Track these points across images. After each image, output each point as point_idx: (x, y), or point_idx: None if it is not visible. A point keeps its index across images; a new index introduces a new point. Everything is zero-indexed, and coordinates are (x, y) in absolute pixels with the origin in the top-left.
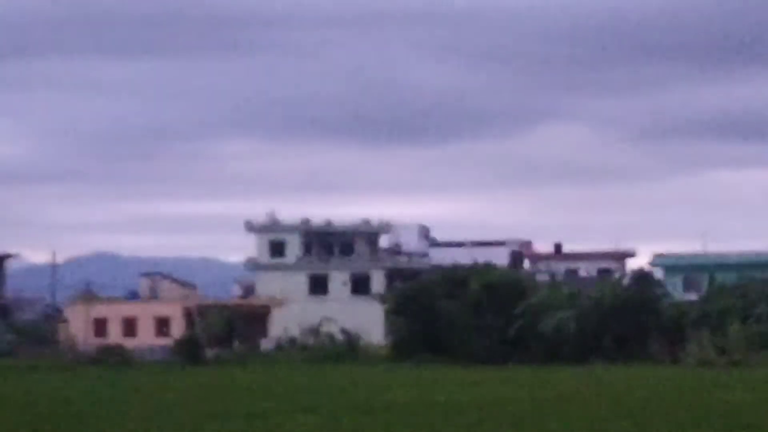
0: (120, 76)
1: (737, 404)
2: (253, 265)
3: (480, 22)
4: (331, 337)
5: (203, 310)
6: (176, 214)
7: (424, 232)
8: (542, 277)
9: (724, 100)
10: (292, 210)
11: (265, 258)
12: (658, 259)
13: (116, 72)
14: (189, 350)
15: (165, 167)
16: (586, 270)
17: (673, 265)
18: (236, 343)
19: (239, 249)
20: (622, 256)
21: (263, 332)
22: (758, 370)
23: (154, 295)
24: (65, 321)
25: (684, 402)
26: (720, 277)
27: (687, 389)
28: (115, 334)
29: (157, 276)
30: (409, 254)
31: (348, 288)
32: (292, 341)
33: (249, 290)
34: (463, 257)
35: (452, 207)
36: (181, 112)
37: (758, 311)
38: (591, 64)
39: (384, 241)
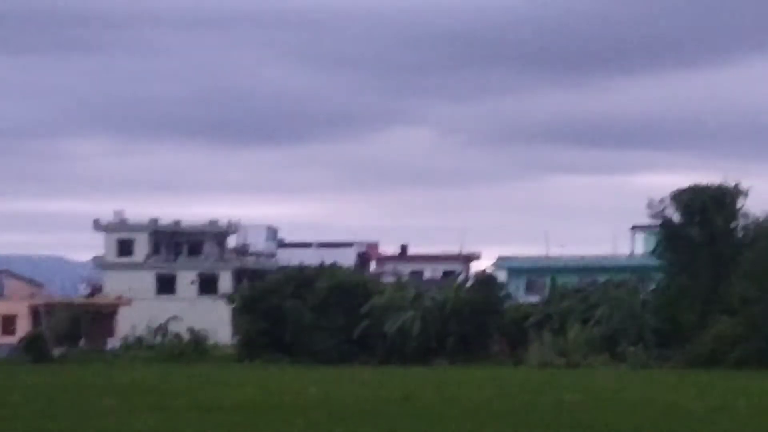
0: None
1: (573, 404)
2: (100, 263)
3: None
4: (178, 336)
5: (50, 308)
6: (24, 211)
7: (272, 233)
8: (388, 279)
9: (565, 107)
10: (141, 209)
11: (113, 257)
12: (502, 262)
13: None
14: (35, 348)
15: (11, 165)
16: (431, 272)
17: (515, 268)
18: (83, 342)
19: (87, 248)
20: (466, 259)
21: (110, 331)
22: (597, 372)
23: (0, 293)
24: None
25: (521, 402)
26: (561, 279)
27: (525, 390)
28: None
29: (3, 273)
30: (257, 254)
31: (196, 287)
32: (139, 340)
33: (97, 289)
34: (311, 258)
35: (300, 208)
36: (28, 111)
37: (598, 313)
38: (439, 69)
39: (232, 242)
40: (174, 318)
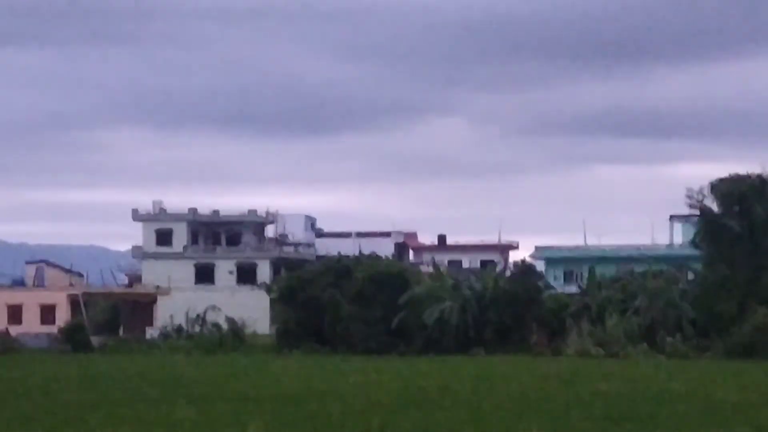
0: (6, 64)
1: (611, 394)
2: (139, 253)
3: (367, 18)
4: (216, 326)
5: (89, 298)
6: (64, 202)
7: (310, 223)
8: (426, 269)
9: (602, 97)
10: (180, 199)
11: (152, 246)
12: (540, 252)
13: (2, 60)
14: (74, 338)
15: (53, 156)
16: (469, 262)
17: (554, 258)
18: (122, 331)
19: (126, 238)
20: (504, 249)
21: (149, 321)
22: (635, 362)
23: (39, 283)
24: None
25: (559, 392)
26: (599, 270)
27: (563, 380)
28: None
29: (43, 264)
30: (295, 244)
31: (234, 277)
32: (178, 330)
33: (135, 279)
34: (349, 248)
35: (338, 198)
36: (71, 102)
37: (636, 303)
38: (475, 60)
39: (270, 231)
40: (212, 308)
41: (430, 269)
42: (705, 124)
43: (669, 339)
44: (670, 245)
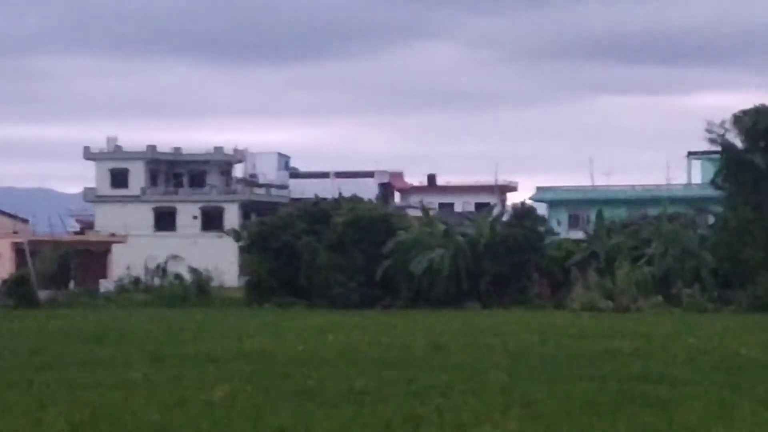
0: None
1: (623, 352)
2: (92, 196)
3: None
4: (179, 277)
5: (35, 247)
6: (4, 138)
7: (284, 162)
8: (414, 212)
9: (611, 18)
10: (137, 136)
11: (106, 189)
12: (541, 193)
13: None
14: (19, 291)
15: None
16: (462, 205)
17: (557, 200)
18: (72, 284)
19: (77, 179)
20: (501, 190)
21: (103, 272)
22: (648, 316)
23: None
24: None
25: (564, 350)
26: (608, 213)
27: (569, 336)
28: None
29: None
30: (267, 186)
31: (198, 223)
32: (136, 282)
33: (88, 225)
34: (327, 189)
35: (315, 133)
36: (5, 24)
37: (650, 252)
38: None
39: (239, 171)
40: (174, 257)
41: (419, 213)
42: (727, 49)
43: (686, 291)
44: (688, 185)
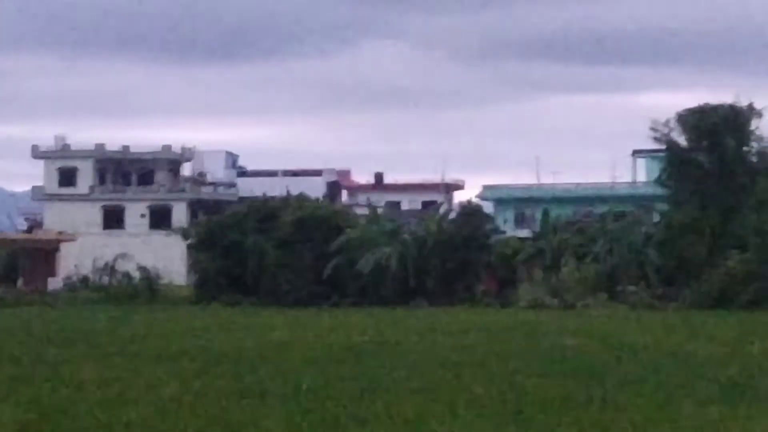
0: None
1: (570, 349)
2: (40, 194)
3: None
4: (127, 275)
5: None
6: None
7: (232, 160)
8: (361, 211)
9: (558, 18)
10: (85, 134)
11: (54, 187)
12: (488, 192)
13: None
14: None
15: None
16: (409, 203)
17: (503, 198)
18: (20, 283)
19: (25, 177)
20: (448, 188)
21: (51, 270)
22: (594, 314)
23: None
24: None
25: (511, 347)
26: (554, 211)
27: (515, 333)
28: None
29: None
30: (215, 184)
31: (146, 221)
32: (84, 280)
33: (36, 223)
34: (275, 188)
35: (263, 132)
36: None
37: (596, 249)
38: None
39: (187, 170)
40: (122, 255)
41: (366, 211)
42: (672, 48)
43: (631, 288)
44: (633, 183)
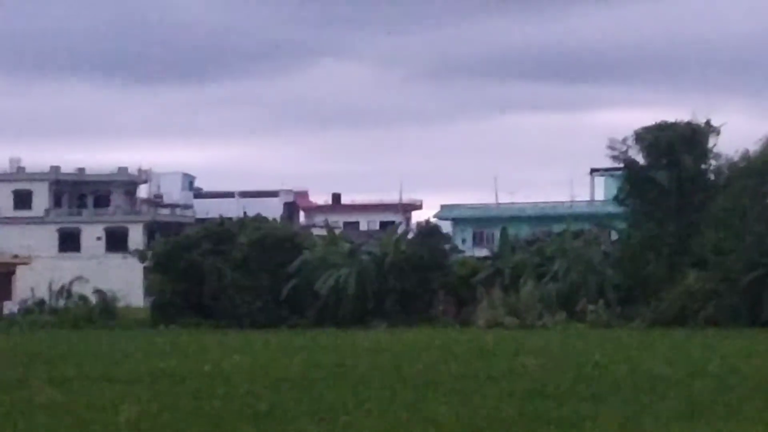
0: None
1: (529, 369)
2: None
3: None
4: (84, 298)
5: None
6: None
7: (188, 182)
8: (319, 231)
9: (516, 37)
10: (40, 156)
11: (9, 210)
12: (446, 211)
13: None
14: None
15: None
16: (367, 223)
17: (461, 218)
18: None
19: None
20: (406, 208)
21: (7, 294)
22: (553, 333)
23: None
24: None
25: (471, 367)
26: (513, 230)
27: (474, 354)
28: None
29: None
30: (172, 206)
31: (103, 243)
32: (40, 304)
33: None
34: (232, 209)
35: (220, 153)
36: None
37: (554, 268)
38: None
39: (143, 192)
40: (79, 278)
41: (324, 232)
42: (630, 66)
43: (590, 307)
44: (591, 202)
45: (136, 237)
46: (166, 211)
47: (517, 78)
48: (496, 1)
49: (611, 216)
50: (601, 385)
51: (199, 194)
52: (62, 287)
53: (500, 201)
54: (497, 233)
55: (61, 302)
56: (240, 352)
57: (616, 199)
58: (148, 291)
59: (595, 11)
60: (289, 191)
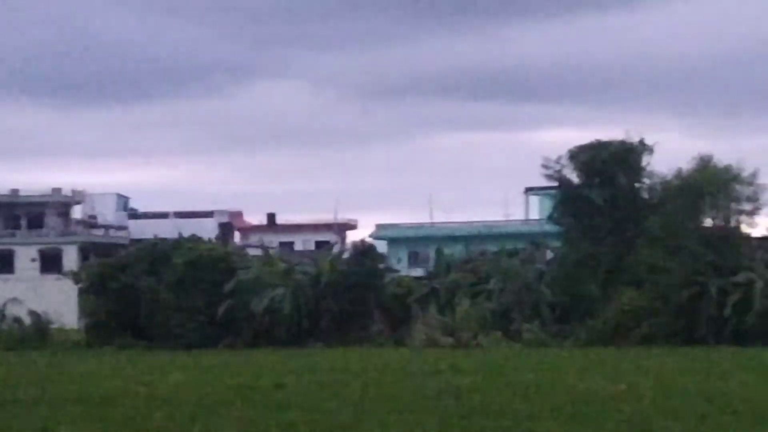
0: None
1: (465, 388)
2: None
3: None
4: (18, 320)
5: None
6: None
7: (123, 202)
8: (254, 251)
9: (451, 56)
10: None
11: None
12: (381, 231)
13: None
14: None
15: None
16: (302, 243)
17: (397, 237)
18: None
19: None
20: (341, 228)
21: None
22: (489, 352)
23: None
24: None
25: (406, 386)
26: (448, 250)
27: (410, 373)
28: None
29: None
30: (106, 227)
31: (37, 265)
32: None
33: None
34: (167, 230)
35: (154, 174)
36: None
37: (489, 287)
38: (308, 16)
39: (77, 213)
40: (12, 300)
41: (259, 252)
42: (565, 85)
43: (525, 325)
44: (526, 221)
45: (71, 258)
46: (100, 232)
47: (452, 97)
48: (432, 20)
49: (546, 235)
50: (536, 403)
51: (133, 215)
52: None
53: (435, 220)
54: (432, 253)
55: None
56: (175, 373)
57: (551, 218)
58: (82, 312)
59: (531, 31)
60: (223, 211)
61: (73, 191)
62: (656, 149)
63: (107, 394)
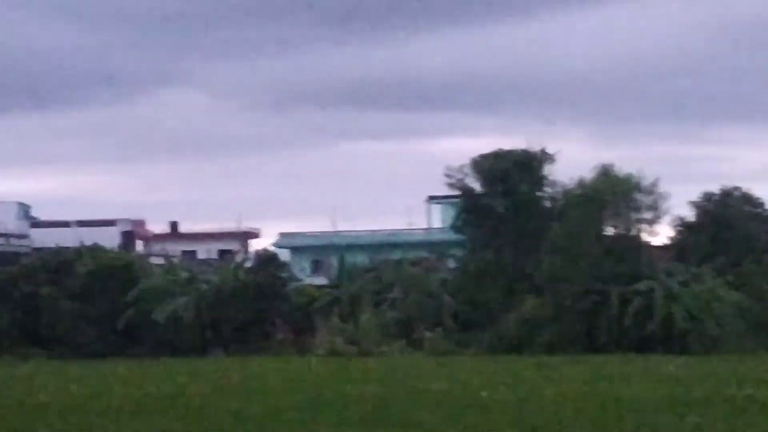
0: None
1: (367, 397)
2: None
3: None
4: None
5: None
6: None
7: (24, 211)
8: (157, 260)
9: (353, 65)
10: None
11: None
12: (284, 240)
13: None
14: None
15: None
16: (205, 252)
17: (300, 246)
18: None
19: None
20: (244, 237)
21: None
22: (392, 360)
23: None
24: None
25: (307, 395)
26: (351, 258)
27: (312, 382)
28: None
29: None
30: (7, 235)
31: None
32: None
33: None
34: (68, 239)
35: (56, 182)
36: None
37: (392, 296)
38: (212, 24)
39: None
40: None
41: (162, 261)
42: (469, 94)
43: (428, 334)
44: (428, 230)
45: None
46: (1, 241)
47: (356, 106)
48: (337, 29)
49: (449, 243)
50: (438, 412)
51: (35, 224)
52: None
53: (339, 229)
54: (335, 261)
55: None
56: (77, 383)
57: (453, 227)
58: None
59: (435, 40)
60: (126, 220)
61: None
62: (558, 158)
63: (6, 404)
